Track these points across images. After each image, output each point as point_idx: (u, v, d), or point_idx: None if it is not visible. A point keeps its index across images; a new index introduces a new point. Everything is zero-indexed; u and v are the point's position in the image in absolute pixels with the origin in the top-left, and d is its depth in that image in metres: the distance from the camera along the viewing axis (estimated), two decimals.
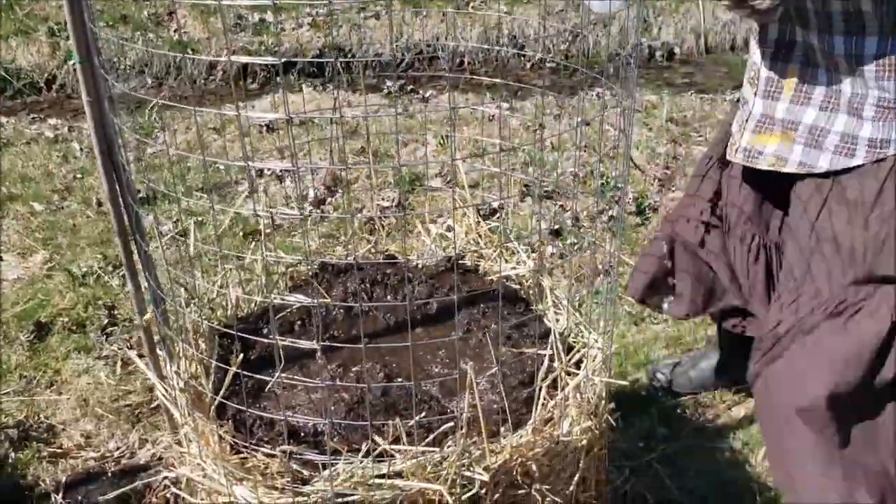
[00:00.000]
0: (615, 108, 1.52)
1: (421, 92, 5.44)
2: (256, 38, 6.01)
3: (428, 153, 4.16)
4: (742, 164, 1.76)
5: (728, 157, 1.80)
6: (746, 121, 1.73)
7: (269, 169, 3.59)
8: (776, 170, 1.67)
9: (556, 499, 1.49)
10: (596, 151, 4.05)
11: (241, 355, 1.38)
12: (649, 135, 4.45)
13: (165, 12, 6.19)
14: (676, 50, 6.30)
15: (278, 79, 5.72)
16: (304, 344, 1.23)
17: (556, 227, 3.40)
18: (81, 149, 4.39)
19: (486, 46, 5.52)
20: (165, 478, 2.12)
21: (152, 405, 2.41)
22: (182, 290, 1.80)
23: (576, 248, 3.27)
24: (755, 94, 1.71)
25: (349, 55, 5.80)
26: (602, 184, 3.63)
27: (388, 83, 5.42)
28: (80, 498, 2.10)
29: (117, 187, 1.47)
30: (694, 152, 4.22)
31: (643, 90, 5.33)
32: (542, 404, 1.50)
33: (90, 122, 1.39)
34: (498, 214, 3.49)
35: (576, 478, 1.51)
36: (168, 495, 2.08)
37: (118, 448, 2.28)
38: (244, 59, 0.97)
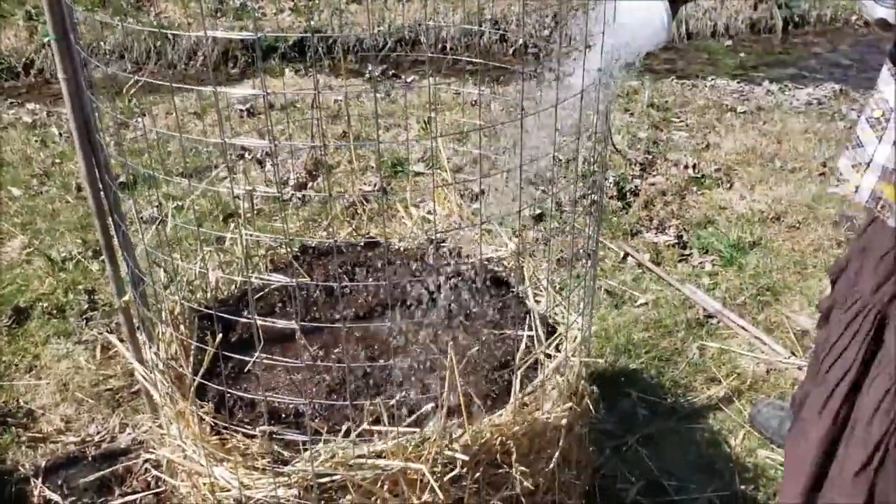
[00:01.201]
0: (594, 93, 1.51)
1: (403, 76, 5.43)
2: (237, 22, 5.96)
3: (410, 137, 4.15)
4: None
5: (846, 194, 1.63)
6: (867, 166, 1.55)
7: (249, 152, 3.57)
8: None
9: (537, 478, 1.51)
10: (578, 136, 4.06)
11: (220, 336, 1.38)
12: (631, 120, 4.46)
13: None
14: None
15: (259, 63, 5.67)
16: (283, 323, 1.23)
17: (539, 211, 3.40)
18: (60, 133, 4.35)
19: (468, 26, 5.50)
20: (146, 461, 2.12)
21: (133, 389, 2.40)
22: (161, 272, 1.79)
23: (557, 231, 3.28)
24: (880, 138, 1.52)
25: (330, 40, 5.77)
26: (583, 168, 3.64)
27: (370, 67, 5.39)
28: (60, 482, 2.09)
29: (95, 167, 1.46)
30: (674, 137, 4.23)
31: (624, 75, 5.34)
32: (522, 385, 1.51)
33: (67, 99, 1.38)
34: (479, 199, 3.49)
35: (555, 457, 1.52)
36: (149, 478, 2.08)
37: (98, 432, 2.27)
38: (220, 34, 0.96)
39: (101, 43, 5.90)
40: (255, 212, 3.27)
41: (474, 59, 1.84)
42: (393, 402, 1.42)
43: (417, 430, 1.39)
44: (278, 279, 1.50)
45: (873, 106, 1.52)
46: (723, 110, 4.70)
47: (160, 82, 1.13)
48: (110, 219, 1.52)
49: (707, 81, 5.24)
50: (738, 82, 5.31)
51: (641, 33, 1.47)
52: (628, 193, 3.59)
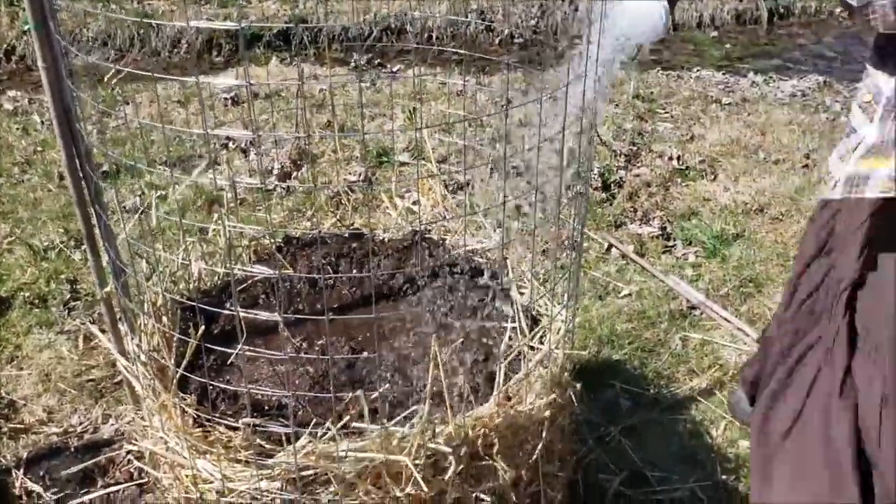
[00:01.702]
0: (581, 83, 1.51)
1: (389, 66, 5.41)
2: (222, 9, 5.91)
3: (395, 127, 4.14)
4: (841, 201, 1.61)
5: (824, 197, 1.67)
6: (854, 150, 1.59)
7: (233, 141, 3.55)
8: (887, 195, 1.53)
9: (520, 470, 1.51)
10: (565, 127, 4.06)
11: (203, 328, 1.37)
12: (616, 111, 4.46)
13: None
14: None
15: (243, 53, 5.64)
16: (265, 315, 1.23)
17: (525, 202, 3.40)
18: (42, 121, 4.31)
19: (454, 17, 5.49)
20: (129, 452, 2.11)
21: (115, 380, 2.38)
22: (144, 263, 1.77)
23: (542, 223, 3.28)
24: (871, 120, 1.56)
25: (315, 29, 5.73)
26: (569, 159, 3.64)
27: (356, 56, 5.37)
28: (42, 473, 2.08)
29: (76, 156, 1.44)
30: (659, 129, 4.24)
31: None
32: (506, 377, 1.51)
33: (46, 88, 1.36)
34: (465, 189, 3.49)
35: (538, 449, 1.53)
36: (132, 469, 2.07)
37: (81, 423, 2.25)
38: (203, 24, 0.95)
39: (84, 30, 5.84)
40: (239, 201, 3.25)
41: (460, 50, 1.84)
42: (375, 394, 1.42)
43: (401, 423, 1.40)
44: (261, 271, 1.50)
45: (864, 91, 1.57)
46: (708, 101, 4.71)
47: (141, 72, 1.12)
48: (91, 209, 1.50)
49: (692, 72, 5.25)
50: (724, 74, 5.33)
51: (639, 28, 1.50)
52: (613, 185, 3.59)
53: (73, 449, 2.16)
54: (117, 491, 2.02)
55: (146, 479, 2.00)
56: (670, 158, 3.83)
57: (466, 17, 5.58)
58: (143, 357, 1.53)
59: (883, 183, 1.52)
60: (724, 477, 2.09)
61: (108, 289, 1.57)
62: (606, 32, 1.39)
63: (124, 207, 3.19)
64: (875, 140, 1.54)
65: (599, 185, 3.58)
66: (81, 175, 1.45)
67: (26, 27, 5.30)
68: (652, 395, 2.39)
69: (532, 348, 1.59)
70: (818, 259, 1.78)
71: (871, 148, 1.54)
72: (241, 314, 1.21)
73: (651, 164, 3.79)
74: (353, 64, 5.32)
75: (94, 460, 2.11)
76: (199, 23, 0.96)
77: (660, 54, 5.95)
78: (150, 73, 1.10)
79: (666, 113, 4.50)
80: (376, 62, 5.51)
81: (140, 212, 2.02)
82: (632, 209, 3.43)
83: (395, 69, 5.33)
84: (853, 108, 1.61)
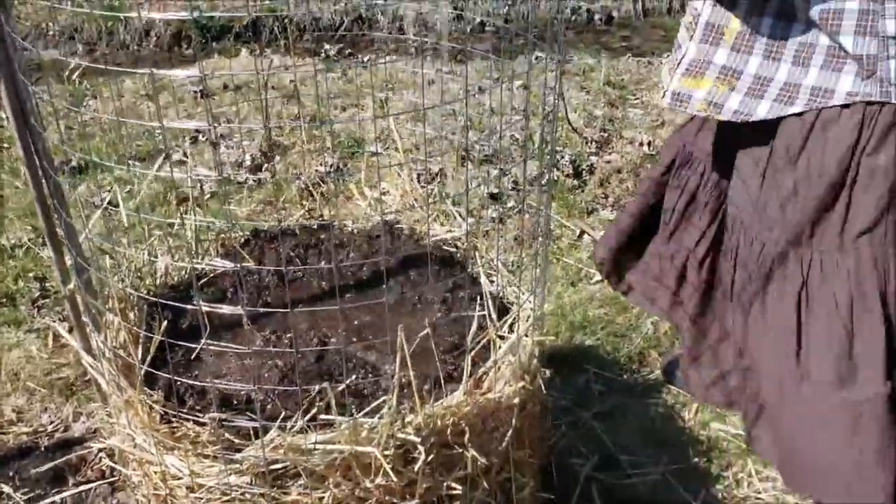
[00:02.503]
0: (552, 71, 1.51)
1: (360, 56, 5.38)
2: (190, 1, 5.84)
3: (365, 117, 4.12)
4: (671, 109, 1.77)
5: (659, 103, 1.81)
6: (678, 64, 1.69)
7: (203, 134, 3.52)
8: (708, 115, 1.65)
9: (491, 457, 1.52)
10: (536, 115, 4.07)
11: (167, 323, 1.36)
12: (587, 98, 4.47)
13: None
14: (615, 14, 6.33)
15: (213, 44, 5.59)
16: (229, 309, 1.22)
17: (496, 190, 3.41)
18: (7, 117, 4.24)
19: (424, 10, 5.47)
20: (100, 450, 2.10)
21: (86, 378, 2.36)
22: (107, 259, 1.76)
23: (514, 211, 3.29)
24: (691, 38, 1.67)
25: (285, 19, 5.69)
26: (539, 147, 3.65)
27: (327, 46, 5.34)
28: (11, 474, 2.06)
29: (34, 153, 1.42)
30: (630, 115, 4.26)
31: (581, 54, 5.35)
32: (475, 364, 1.51)
33: (1, 86, 1.34)
34: (437, 179, 3.49)
35: (508, 436, 1.53)
36: (103, 467, 2.05)
37: (52, 422, 2.23)
38: (156, 14, 0.93)
39: (51, 24, 5.75)
40: (209, 195, 3.22)
41: (427, 39, 1.83)
42: (342, 386, 1.41)
43: (370, 414, 1.40)
44: (223, 265, 1.48)
45: (688, 13, 1.70)
46: None
47: (96, 66, 1.10)
48: (51, 206, 1.49)
49: (663, 59, 5.26)
50: None
51: None
52: (584, 171, 3.60)
53: (43, 448, 2.14)
54: (89, 489, 2.00)
55: (118, 477, 1.99)
56: (641, 144, 3.85)
57: (437, 5, 5.56)
58: (108, 354, 1.52)
59: (699, 104, 1.64)
60: (696, 460, 2.11)
61: (70, 286, 1.56)
62: None
63: (92, 203, 3.16)
64: (692, 57, 1.66)
65: (571, 171, 3.59)
66: (40, 173, 1.43)
67: None
68: (624, 379, 2.40)
69: (501, 337, 1.59)
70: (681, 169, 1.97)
71: (690, 66, 1.66)
72: (205, 308, 1.20)
73: (622, 151, 3.81)
74: (323, 54, 5.29)
75: (65, 459, 2.09)
76: (154, 14, 0.94)
77: (630, 41, 5.97)
78: (103, 67, 1.09)
79: (636, 99, 4.52)
80: (347, 52, 5.47)
81: (103, 207, 2.00)
82: (603, 195, 3.44)
83: (366, 59, 5.30)
84: (681, 27, 1.74)
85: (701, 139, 1.93)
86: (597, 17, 6.26)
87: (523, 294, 1.70)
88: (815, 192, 1.56)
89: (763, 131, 1.60)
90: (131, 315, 1.65)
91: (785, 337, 1.65)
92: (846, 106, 1.49)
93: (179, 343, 1.38)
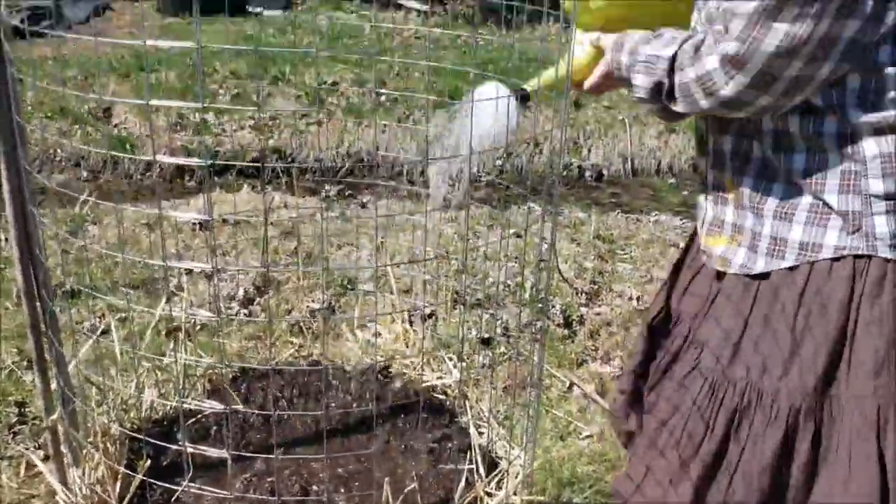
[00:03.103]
0: (546, 223, 1.56)
1: (359, 197, 5.52)
2: (197, 137, 6.05)
3: (363, 257, 4.18)
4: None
5: (699, 255, 1.83)
6: (702, 224, 1.77)
7: (198, 268, 3.55)
8: (724, 270, 1.69)
9: None
10: (528, 263, 4.14)
11: (149, 461, 1.33)
12: (577, 250, 4.57)
13: (104, 108, 6.20)
14: (605, 171, 6.58)
15: (215, 178, 5.73)
16: (214, 452, 1.20)
17: (486, 335, 3.41)
18: (6, 238, 4.28)
19: (419, 159, 5.66)
20: None
21: None
22: (94, 389, 1.73)
23: (504, 358, 3.28)
24: (706, 198, 1.75)
25: (289, 158, 5.88)
26: (530, 295, 3.69)
27: (327, 187, 5.48)
28: None
29: (34, 282, 1.44)
30: (619, 269, 4.34)
31: (572, 207, 5.51)
32: None
33: (10, 215, 1.37)
34: (429, 321, 3.50)
35: None
36: None
37: None
38: (169, 159, 0.97)
39: (58, 150, 5.92)
40: (199, 327, 3.21)
41: (422, 190, 1.90)
42: None
43: None
44: (211, 405, 1.47)
45: (700, 172, 1.79)
46: (666, 245, 4.85)
47: (103, 202, 1.14)
48: (44, 335, 1.48)
49: (651, 217, 5.42)
50: (681, 220, 5.50)
51: (496, 128, 1.70)
52: (574, 322, 3.63)
53: None
54: None
55: None
56: (630, 298, 3.90)
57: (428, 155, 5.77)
58: (84, 490, 1.47)
59: (719, 260, 1.69)
60: None
61: (54, 416, 1.53)
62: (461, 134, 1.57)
63: (82, 329, 3.14)
64: (711, 218, 1.73)
65: (561, 321, 3.61)
66: (37, 302, 1.44)
67: None
68: None
69: (489, 494, 1.56)
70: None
71: (711, 226, 1.72)
72: (189, 449, 1.18)
73: (611, 304, 3.85)
74: (323, 194, 5.43)
75: None
76: (168, 159, 0.98)
77: (619, 197, 6.16)
78: (112, 205, 1.12)
79: (626, 254, 4.62)
80: (347, 193, 5.62)
81: (95, 337, 1.99)
82: (593, 347, 3.45)
83: (365, 200, 5.44)
84: (698, 186, 1.82)
85: (686, 302, 1.96)
86: (587, 173, 6.50)
87: (513, 450, 1.68)
88: (813, 345, 1.57)
89: (763, 283, 1.63)
90: (112, 449, 1.61)
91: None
92: (836, 259, 1.53)
93: (160, 483, 1.34)
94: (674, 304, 2.02)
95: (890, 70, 1.44)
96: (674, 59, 1.52)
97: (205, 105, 0.99)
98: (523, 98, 1.73)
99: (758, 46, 1.40)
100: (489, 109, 1.69)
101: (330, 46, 8.13)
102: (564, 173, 6.56)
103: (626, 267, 4.39)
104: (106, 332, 3.06)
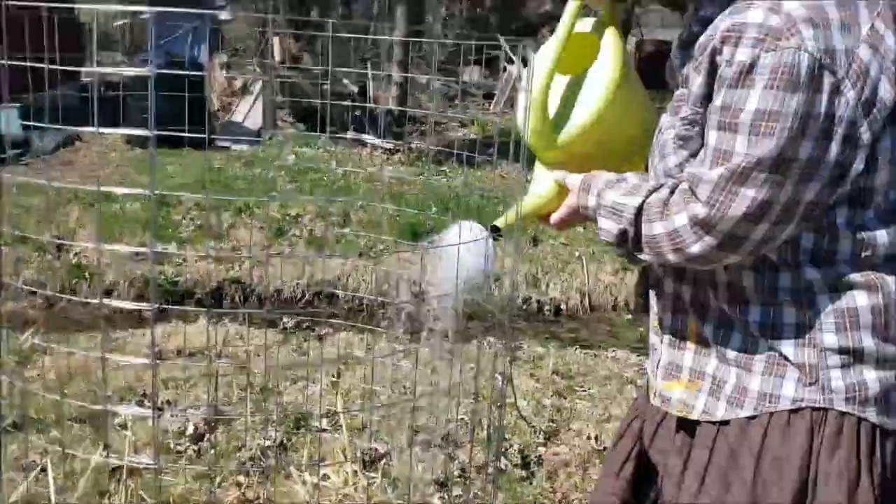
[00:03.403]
0: (504, 357, 1.58)
1: (317, 329, 5.50)
2: (158, 266, 6.05)
3: (317, 391, 4.13)
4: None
5: (650, 401, 1.81)
6: (657, 367, 1.76)
7: (148, 399, 3.48)
8: (684, 416, 1.68)
9: None
10: (485, 398, 4.11)
11: None
12: (536, 386, 4.56)
13: (68, 235, 6.22)
14: (563, 306, 6.68)
15: (173, 307, 5.69)
16: None
17: (442, 477, 3.34)
18: None
19: (381, 297, 5.71)
20: None
21: None
22: None
23: (460, 502, 3.21)
24: (661, 342, 1.75)
25: (248, 290, 5.90)
26: (487, 433, 3.65)
27: (285, 319, 5.47)
28: None
29: None
30: (578, 406, 4.33)
31: (531, 342, 5.54)
32: None
33: None
34: (383, 460, 3.42)
35: None
36: None
37: None
38: (115, 303, 0.98)
39: (16, 277, 5.86)
40: (143, 467, 3.11)
41: (379, 327, 1.92)
42: None
43: None
44: None
45: (653, 317, 1.80)
46: (623, 382, 4.86)
47: (48, 344, 1.13)
48: None
49: (608, 352, 5.47)
50: (638, 356, 5.55)
51: (472, 266, 1.77)
52: (532, 462, 3.58)
53: None
54: None
55: None
56: (589, 438, 3.87)
57: (396, 287, 5.82)
58: None
59: (678, 405, 1.70)
60: None
61: None
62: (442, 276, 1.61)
63: (22, 465, 3.02)
64: (667, 362, 1.73)
65: (519, 461, 3.56)
66: None
67: None
68: None
69: None
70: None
71: (666, 370, 1.73)
72: None
73: (570, 443, 3.82)
74: (281, 326, 5.40)
75: None
76: (113, 302, 1.00)
77: (577, 332, 6.23)
78: (55, 345, 1.12)
79: (584, 391, 4.62)
80: (305, 325, 5.60)
81: (34, 475, 1.92)
82: (551, 490, 3.39)
83: (323, 333, 5.42)
84: (649, 329, 1.84)
85: (658, 439, 1.93)
86: (546, 307, 6.59)
87: None
88: (775, 497, 1.56)
89: (720, 432, 1.63)
90: None
91: None
92: (795, 411, 1.54)
93: None
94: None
95: (844, 230, 1.50)
96: (640, 210, 1.56)
97: (157, 252, 1.01)
98: (494, 235, 1.79)
99: (726, 211, 1.45)
100: (472, 249, 1.75)
101: (294, 180, 8.33)
102: (524, 307, 6.63)
103: (584, 404, 4.38)
104: (45, 469, 2.95)
